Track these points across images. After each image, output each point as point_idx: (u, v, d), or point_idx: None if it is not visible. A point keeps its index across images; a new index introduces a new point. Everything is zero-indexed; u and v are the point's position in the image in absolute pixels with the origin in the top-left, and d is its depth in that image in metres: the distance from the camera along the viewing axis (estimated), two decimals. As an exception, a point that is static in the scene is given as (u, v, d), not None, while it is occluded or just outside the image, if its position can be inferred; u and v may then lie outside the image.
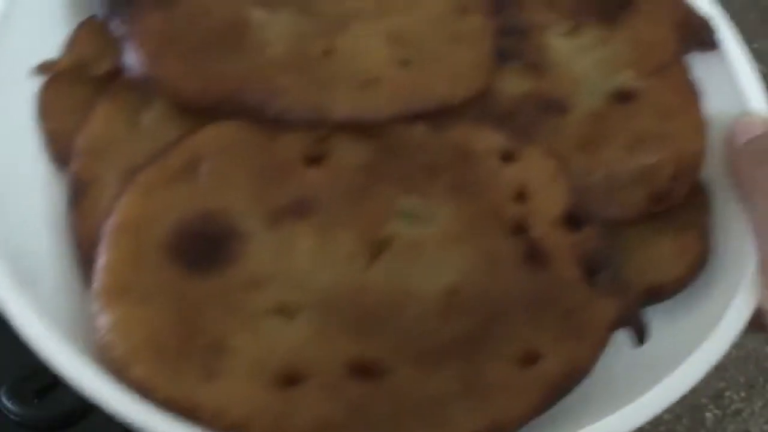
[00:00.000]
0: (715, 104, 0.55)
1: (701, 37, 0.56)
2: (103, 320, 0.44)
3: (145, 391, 0.43)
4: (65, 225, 0.48)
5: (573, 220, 0.49)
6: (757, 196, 0.50)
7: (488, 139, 0.51)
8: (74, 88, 0.52)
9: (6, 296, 0.44)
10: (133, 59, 0.50)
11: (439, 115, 0.51)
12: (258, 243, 0.46)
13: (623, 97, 0.54)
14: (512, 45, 0.55)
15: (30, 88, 0.52)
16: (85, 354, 0.43)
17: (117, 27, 0.51)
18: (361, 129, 0.50)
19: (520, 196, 0.50)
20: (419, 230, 0.48)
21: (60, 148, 0.50)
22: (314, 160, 0.49)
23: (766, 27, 1.15)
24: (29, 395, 0.62)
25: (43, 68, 0.52)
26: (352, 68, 0.51)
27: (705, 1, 0.58)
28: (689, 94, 0.55)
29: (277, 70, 0.50)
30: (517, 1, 0.57)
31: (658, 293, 0.50)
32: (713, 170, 0.53)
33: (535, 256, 0.48)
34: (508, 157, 0.51)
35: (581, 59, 0.56)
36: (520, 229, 0.49)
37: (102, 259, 0.45)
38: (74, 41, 0.54)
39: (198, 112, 0.49)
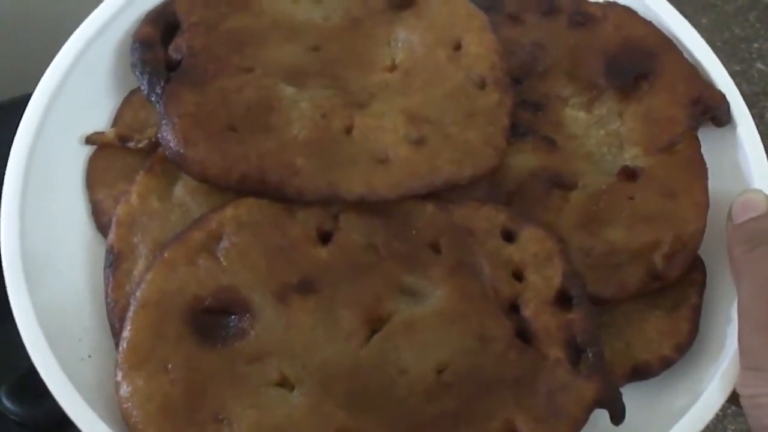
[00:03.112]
0: (720, 180, 0.56)
1: (715, 112, 0.57)
2: (123, 390, 0.49)
3: (156, 454, 0.48)
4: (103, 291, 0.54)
5: (565, 300, 0.52)
6: (744, 279, 0.51)
7: (491, 219, 0.54)
8: (119, 159, 0.57)
9: (42, 361, 0.50)
10: (165, 138, 0.54)
11: (449, 192, 0.54)
12: (265, 319, 0.51)
13: (629, 175, 0.56)
14: (528, 118, 0.57)
15: (80, 157, 0.57)
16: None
17: (155, 103, 0.55)
18: (371, 205, 0.53)
19: (517, 275, 0.53)
20: (416, 308, 0.52)
21: (103, 217, 0.55)
22: (324, 237, 0.53)
23: (766, 27, 1.13)
24: (29, 395, 0.64)
25: (92, 140, 0.57)
26: (367, 147, 0.54)
27: (722, 74, 0.58)
28: (694, 172, 0.56)
29: (296, 151, 0.53)
30: (538, 72, 0.59)
31: (643, 372, 0.53)
32: (713, 248, 0.54)
33: (523, 336, 0.51)
34: (508, 236, 0.53)
35: (595, 132, 0.57)
36: (513, 308, 0.52)
37: (126, 332, 0.50)
38: (120, 114, 0.58)
39: (223, 189, 0.54)
